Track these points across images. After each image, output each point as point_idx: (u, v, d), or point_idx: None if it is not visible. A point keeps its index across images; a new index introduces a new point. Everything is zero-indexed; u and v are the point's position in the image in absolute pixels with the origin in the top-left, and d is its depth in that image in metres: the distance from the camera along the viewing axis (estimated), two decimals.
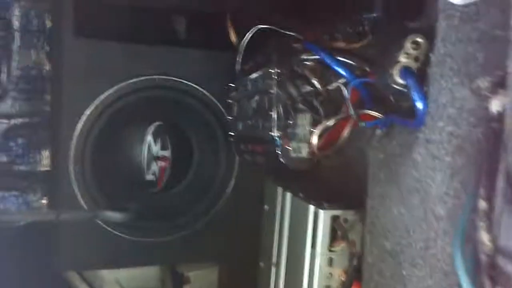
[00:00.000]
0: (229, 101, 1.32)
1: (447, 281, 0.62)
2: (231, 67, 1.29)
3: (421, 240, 0.66)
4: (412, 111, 0.70)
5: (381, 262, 0.76)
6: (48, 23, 1.59)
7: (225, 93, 1.34)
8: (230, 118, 1.33)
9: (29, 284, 1.12)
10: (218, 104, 1.41)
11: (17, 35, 1.58)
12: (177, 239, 1.42)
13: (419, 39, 0.67)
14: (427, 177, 0.64)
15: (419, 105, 0.65)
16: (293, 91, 1.01)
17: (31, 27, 1.59)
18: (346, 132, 0.84)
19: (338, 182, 0.99)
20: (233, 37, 1.31)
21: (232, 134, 1.33)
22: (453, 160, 0.60)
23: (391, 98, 0.76)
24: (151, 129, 1.42)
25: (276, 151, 1.09)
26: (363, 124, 0.79)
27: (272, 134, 1.07)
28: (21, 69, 1.62)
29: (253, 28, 1.08)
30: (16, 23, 1.58)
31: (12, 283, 0.94)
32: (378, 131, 0.81)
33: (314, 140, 0.83)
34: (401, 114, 0.73)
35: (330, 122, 0.82)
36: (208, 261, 1.47)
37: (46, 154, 1.64)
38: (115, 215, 1.13)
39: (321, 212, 0.89)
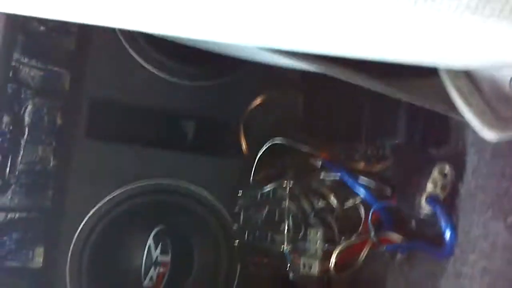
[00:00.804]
0: (237, 209, 1.31)
1: None
2: (241, 175, 1.29)
3: None
4: (437, 239, 0.69)
5: None
6: (59, 121, 1.61)
7: (232, 201, 1.33)
8: (236, 226, 1.31)
9: None
10: (224, 211, 1.40)
11: (26, 130, 1.60)
12: None
13: (446, 169, 0.67)
14: None
15: (448, 234, 0.64)
16: (306, 205, 1.00)
17: (42, 123, 1.61)
18: (363, 253, 0.83)
19: None
20: (244, 147, 1.32)
21: (237, 243, 1.30)
22: None
23: (414, 224, 0.75)
24: (153, 232, 1.39)
25: (285, 265, 1.07)
26: (383, 247, 0.78)
27: (283, 247, 1.06)
28: (26, 164, 1.62)
29: (269, 141, 1.09)
30: (27, 119, 1.60)
31: None
32: (399, 256, 0.80)
33: (333, 258, 0.80)
34: (425, 241, 0.72)
35: (350, 242, 0.81)
36: None
37: (40, 251, 1.60)
38: None
39: None
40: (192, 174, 1.38)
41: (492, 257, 0.56)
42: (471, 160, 0.60)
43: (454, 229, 0.62)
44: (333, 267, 0.88)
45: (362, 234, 0.83)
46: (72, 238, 1.28)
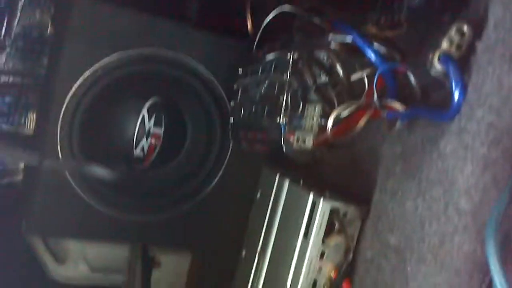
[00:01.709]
0: (235, 86, 1.28)
1: (458, 279, 0.59)
2: (242, 53, 1.25)
3: (436, 235, 0.62)
4: (443, 104, 0.67)
5: (382, 258, 0.72)
6: None
7: (230, 78, 1.30)
8: (233, 103, 1.29)
9: None
10: (221, 88, 1.38)
11: None
12: (155, 220, 1.37)
13: (464, 28, 0.64)
14: (455, 169, 0.60)
15: (457, 93, 0.61)
16: (308, 79, 0.97)
17: None
18: (362, 122, 0.80)
19: (341, 178, 0.95)
20: (250, 25, 1.28)
21: (232, 119, 1.29)
22: (488, 152, 0.56)
23: (420, 92, 0.73)
24: (148, 103, 1.37)
25: (279, 140, 1.06)
26: (384, 113, 0.76)
27: (278, 121, 1.04)
28: (23, 27, 1.57)
29: (276, 9, 1.04)
30: None
31: None
32: (398, 124, 0.78)
33: (330, 123, 0.78)
34: (429, 107, 0.70)
35: (350, 107, 0.79)
36: (184, 248, 1.41)
37: (32, 117, 1.59)
38: (101, 172, 1.08)
39: (321, 201, 0.85)
40: (192, 48, 1.34)
41: (501, 112, 0.54)
42: (495, 12, 0.57)
43: (464, 88, 0.60)
44: (328, 139, 0.86)
45: (364, 102, 0.80)
46: (64, 102, 1.26)
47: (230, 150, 1.37)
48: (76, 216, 1.31)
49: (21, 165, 1.60)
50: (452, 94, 0.62)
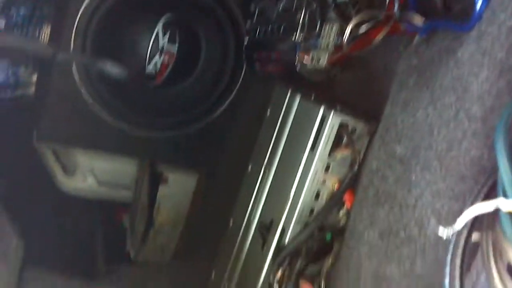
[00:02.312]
0: (252, 6, 1.27)
1: (462, 186, 0.59)
2: None
3: (444, 141, 0.62)
4: (464, 15, 0.66)
5: (387, 168, 0.73)
6: None
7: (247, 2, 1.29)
8: (249, 23, 1.28)
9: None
10: (237, 8, 1.36)
11: None
12: (165, 138, 1.38)
13: None
14: (470, 75, 0.60)
15: (480, 2, 0.60)
16: None
17: None
18: (380, 35, 0.79)
19: (353, 97, 0.95)
20: None
21: (246, 40, 1.28)
22: (506, 57, 0.56)
23: (440, 2, 0.71)
24: (163, 19, 1.35)
25: (293, 59, 1.05)
26: (404, 26, 0.75)
27: (294, 39, 1.03)
28: None
29: None
30: None
31: None
32: (417, 38, 0.77)
33: (348, 30, 0.77)
34: (450, 19, 0.69)
35: (370, 16, 0.77)
36: (192, 167, 1.42)
37: (46, 31, 1.57)
38: (115, 69, 1.07)
39: (331, 115, 0.85)
40: None
41: None
42: None
43: None
44: (345, 54, 0.85)
45: (384, 15, 0.79)
46: (79, 11, 1.24)
47: (243, 71, 1.37)
48: (87, 126, 1.32)
49: (34, 78, 1.61)
50: (475, 2, 0.61)
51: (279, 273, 0.82)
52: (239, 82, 1.36)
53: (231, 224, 1.12)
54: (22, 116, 1.56)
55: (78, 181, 1.57)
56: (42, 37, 1.60)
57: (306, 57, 1.00)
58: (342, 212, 0.84)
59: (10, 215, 0.95)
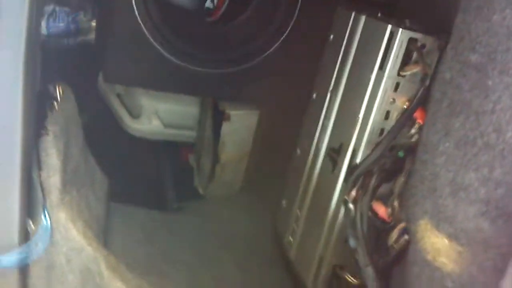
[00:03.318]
0: None
1: None
2: None
3: None
4: None
5: (461, 77, 0.71)
6: None
7: None
8: None
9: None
10: None
11: None
12: (225, 74, 1.38)
13: None
14: None
15: None
16: None
17: None
18: None
19: (420, 10, 0.92)
20: None
21: None
22: None
23: None
24: None
25: None
26: None
27: None
28: None
29: None
30: None
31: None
32: None
33: None
34: None
35: None
36: (253, 102, 1.44)
37: None
38: None
39: (399, 31, 0.83)
40: None
41: None
42: None
43: None
44: None
45: None
46: None
47: (299, 3, 1.34)
48: (150, 67, 1.34)
49: (93, 24, 1.63)
50: None
51: (353, 192, 0.83)
52: (297, 10, 1.34)
53: (298, 152, 1.13)
54: (87, 63, 1.60)
55: (143, 124, 1.62)
56: None
57: None
58: (414, 130, 0.83)
59: (93, 153, 0.99)
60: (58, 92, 0.82)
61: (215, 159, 1.49)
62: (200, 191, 1.55)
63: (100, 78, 1.55)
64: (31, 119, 0.73)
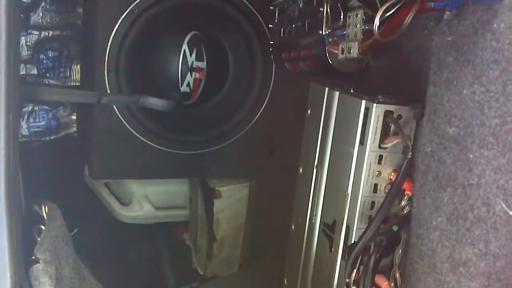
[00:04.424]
0: (271, 8, 1.26)
1: None
2: None
3: (496, 117, 0.61)
4: None
5: (442, 150, 0.72)
6: None
7: (264, 3, 1.28)
8: (272, 26, 1.28)
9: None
10: (257, 14, 1.36)
11: None
12: (209, 152, 1.39)
13: None
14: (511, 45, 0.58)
15: None
16: None
17: None
18: (409, 17, 0.78)
19: (391, 82, 0.93)
20: None
21: (272, 43, 1.28)
22: None
23: None
24: (187, 38, 1.37)
25: (323, 53, 1.04)
26: (432, 4, 0.73)
27: (321, 33, 1.02)
28: None
29: None
30: None
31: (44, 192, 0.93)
32: (447, 14, 0.76)
33: (377, 20, 0.77)
34: None
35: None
36: (242, 177, 1.44)
37: (76, 69, 1.61)
38: (158, 102, 1.10)
39: (374, 106, 0.84)
40: None
41: None
42: None
43: None
44: (377, 41, 0.84)
45: None
46: (107, 46, 1.27)
47: (273, 74, 1.37)
48: (134, 157, 1.35)
49: (73, 117, 1.65)
50: None
51: (353, 274, 0.82)
52: (271, 85, 1.37)
53: (293, 228, 1.12)
54: (71, 156, 1.60)
55: (135, 210, 1.61)
56: (73, 76, 1.65)
57: (336, 49, 1.00)
58: (404, 202, 0.83)
59: (87, 262, 0.98)
60: (44, 212, 0.81)
61: (212, 237, 1.48)
62: (200, 271, 1.53)
63: (86, 171, 1.55)
64: (19, 249, 0.72)
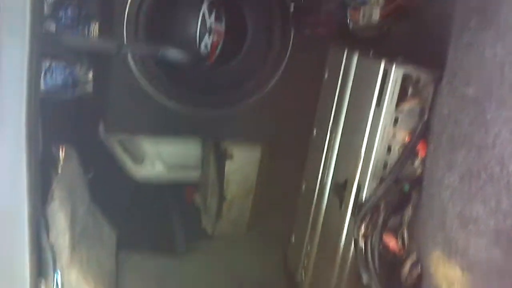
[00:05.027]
0: None
1: None
2: None
3: None
4: None
5: (459, 112, 0.73)
6: None
7: None
8: None
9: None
10: None
11: None
12: (224, 114, 1.40)
13: None
14: None
15: None
16: None
17: None
18: None
19: (411, 48, 0.94)
20: None
21: (293, 6, 1.28)
22: None
23: None
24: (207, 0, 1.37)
25: (344, 18, 1.05)
26: None
27: None
28: None
29: None
30: None
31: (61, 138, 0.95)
32: None
33: None
34: None
35: None
36: (256, 140, 1.45)
37: (95, 28, 1.62)
38: (177, 54, 1.10)
39: (393, 68, 0.85)
40: None
41: None
42: None
43: None
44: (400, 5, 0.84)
45: None
46: (127, 2, 1.28)
47: (292, 38, 1.37)
48: (150, 114, 1.37)
49: (90, 75, 1.66)
50: None
51: (362, 229, 0.84)
52: (289, 49, 1.37)
53: (303, 189, 1.14)
54: (87, 113, 1.62)
55: (147, 168, 1.63)
56: (92, 34, 1.65)
57: (357, 14, 1.00)
58: (417, 162, 0.84)
59: (100, 207, 1.01)
60: (61, 154, 0.83)
61: (221, 198, 1.50)
62: (208, 231, 1.56)
63: (101, 127, 1.56)
64: (36, 185, 0.74)
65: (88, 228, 0.92)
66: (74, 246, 0.82)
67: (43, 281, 0.78)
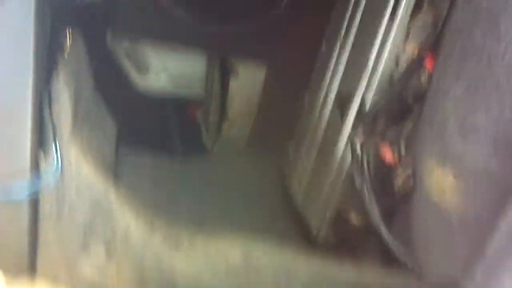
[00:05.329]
0: None
1: None
2: None
3: None
4: None
5: (473, 23, 0.71)
6: None
7: None
8: None
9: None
10: None
11: None
12: (232, 31, 1.38)
13: None
14: None
15: None
16: None
17: None
18: None
19: None
20: None
21: None
22: None
23: None
24: None
25: None
26: None
27: None
28: None
29: None
30: None
31: None
32: None
33: None
34: None
35: None
36: (260, 59, 1.43)
37: None
38: None
39: None
40: None
41: None
42: None
43: None
44: None
45: None
46: None
47: None
48: (158, 23, 1.35)
49: None
50: None
51: (361, 135, 0.84)
52: None
53: (306, 105, 1.13)
54: (95, 22, 1.59)
55: (152, 80, 1.62)
56: None
57: None
58: (423, 77, 0.83)
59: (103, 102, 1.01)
60: (69, 37, 0.82)
61: (223, 116, 1.50)
62: (208, 147, 1.56)
63: (109, 36, 1.54)
64: (42, 60, 0.73)
65: (91, 113, 0.92)
66: (76, 122, 0.81)
67: (41, 153, 0.78)
